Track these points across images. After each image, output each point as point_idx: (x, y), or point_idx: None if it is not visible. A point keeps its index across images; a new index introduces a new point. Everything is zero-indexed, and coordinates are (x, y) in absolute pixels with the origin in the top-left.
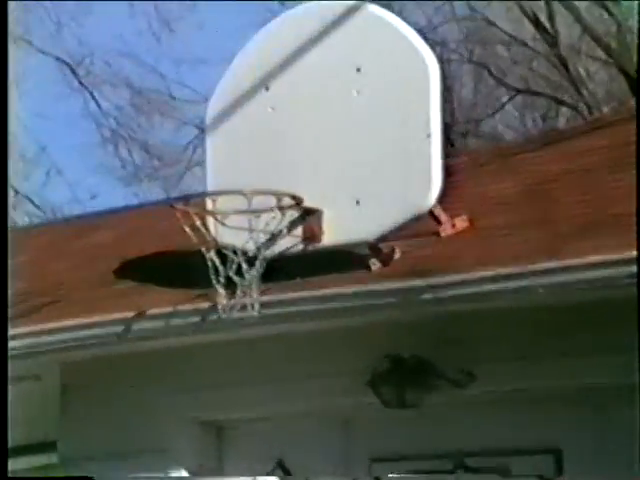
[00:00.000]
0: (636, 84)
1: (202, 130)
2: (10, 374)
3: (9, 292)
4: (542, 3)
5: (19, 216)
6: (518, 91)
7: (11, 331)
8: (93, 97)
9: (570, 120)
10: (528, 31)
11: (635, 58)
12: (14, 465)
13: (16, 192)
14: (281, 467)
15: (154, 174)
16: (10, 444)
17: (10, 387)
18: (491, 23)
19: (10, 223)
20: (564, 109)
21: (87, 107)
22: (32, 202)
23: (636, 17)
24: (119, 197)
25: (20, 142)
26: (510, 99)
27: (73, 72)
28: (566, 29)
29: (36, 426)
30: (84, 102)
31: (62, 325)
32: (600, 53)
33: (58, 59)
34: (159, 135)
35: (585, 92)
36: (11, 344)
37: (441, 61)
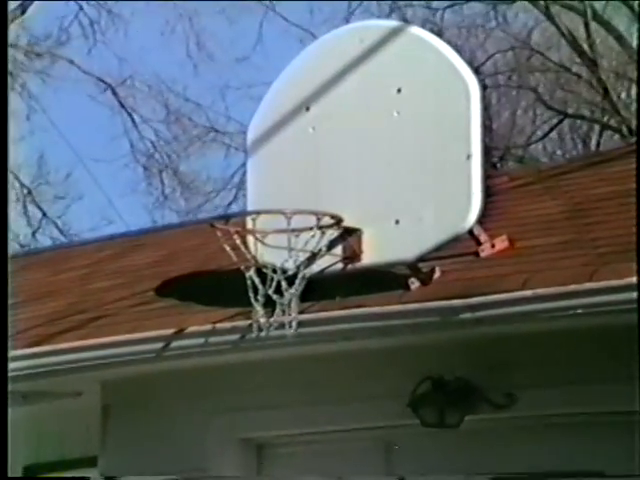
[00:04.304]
0: (637, 87)
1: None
2: (51, 389)
3: (50, 309)
4: (582, 28)
5: (44, 239)
6: (566, 115)
7: (52, 347)
8: (132, 119)
9: (611, 143)
10: (570, 57)
11: None
12: None
13: (44, 214)
14: None
15: (199, 203)
16: (48, 459)
17: (52, 402)
18: (536, 51)
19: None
20: (607, 132)
21: (127, 129)
22: (57, 226)
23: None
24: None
25: (51, 166)
26: (558, 123)
27: (114, 92)
28: (608, 53)
29: (76, 442)
30: (123, 123)
31: (103, 342)
32: None
33: (100, 80)
34: (203, 165)
35: (628, 115)
36: (52, 359)
37: (483, 86)
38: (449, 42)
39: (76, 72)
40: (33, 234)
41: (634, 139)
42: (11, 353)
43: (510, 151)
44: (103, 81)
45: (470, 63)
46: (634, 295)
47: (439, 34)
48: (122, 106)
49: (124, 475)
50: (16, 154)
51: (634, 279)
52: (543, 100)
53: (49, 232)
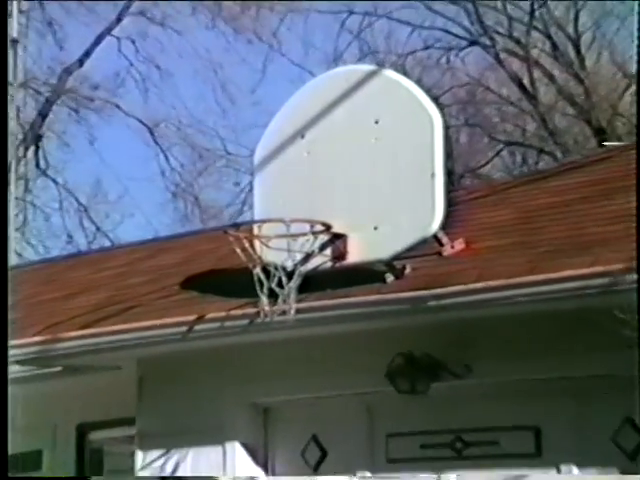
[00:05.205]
0: (636, 91)
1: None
2: (97, 364)
3: (93, 300)
4: (525, 70)
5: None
6: (508, 143)
7: (97, 330)
8: (164, 153)
9: (548, 164)
10: (514, 94)
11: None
12: (97, 436)
13: (97, 228)
14: (315, 441)
15: (212, 217)
16: (95, 419)
17: (97, 374)
18: (487, 88)
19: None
20: (544, 156)
21: (159, 160)
22: (108, 238)
23: (636, 18)
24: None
25: (104, 187)
26: (501, 150)
27: (151, 132)
28: (545, 91)
29: (117, 405)
30: (156, 156)
31: (138, 326)
32: (572, 110)
33: (140, 121)
34: (217, 183)
35: (561, 141)
36: (97, 340)
37: (446, 118)
38: (417, 82)
39: (124, 116)
40: (89, 245)
41: (567, 159)
42: (64, 335)
43: (467, 171)
44: (143, 123)
45: (435, 100)
46: (568, 285)
47: (405, 73)
48: (156, 143)
49: (156, 431)
50: (75, 178)
51: (569, 272)
52: (489, 132)
53: (102, 243)
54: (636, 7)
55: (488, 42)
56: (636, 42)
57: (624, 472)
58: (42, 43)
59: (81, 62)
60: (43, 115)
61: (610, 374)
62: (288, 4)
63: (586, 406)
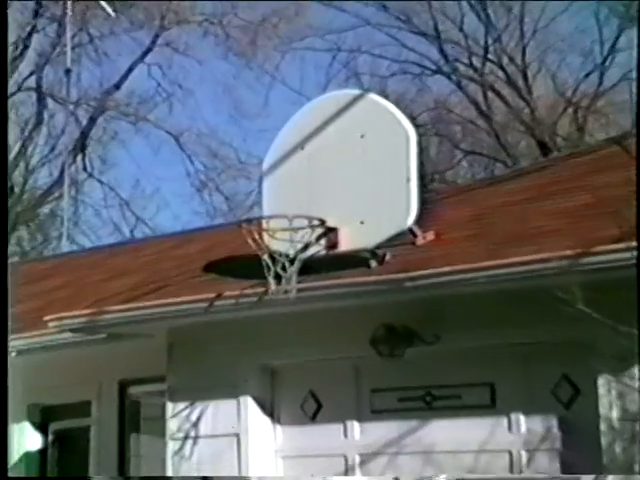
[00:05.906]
0: (637, 92)
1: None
2: (134, 332)
3: (132, 281)
4: (481, 94)
5: (137, 235)
6: (468, 152)
7: (132, 305)
8: (189, 158)
9: (501, 171)
10: (473, 113)
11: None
12: (135, 390)
13: (137, 218)
14: (312, 396)
15: (228, 212)
16: (133, 376)
17: (135, 341)
18: (450, 111)
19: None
20: (498, 164)
21: (184, 163)
22: (147, 225)
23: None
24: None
25: (142, 185)
26: (463, 157)
27: (177, 140)
28: (499, 111)
29: (151, 366)
30: (182, 160)
31: (168, 301)
32: (520, 127)
33: (167, 132)
34: (232, 185)
35: (511, 152)
36: (134, 313)
37: (419, 133)
38: (395, 103)
39: (154, 128)
40: (131, 232)
41: (516, 167)
42: (108, 308)
43: (436, 176)
44: (170, 133)
45: (411, 117)
46: (517, 269)
47: (385, 95)
48: (181, 149)
49: (183, 386)
50: (121, 178)
51: (517, 259)
52: (453, 144)
53: (141, 230)
54: (636, 7)
55: (451, 71)
56: (636, 42)
57: (561, 419)
58: (91, 68)
59: (118, 85)
60: (89, 128)
61: (551, 341)
62: (286, 45)
63: (531, 366)
